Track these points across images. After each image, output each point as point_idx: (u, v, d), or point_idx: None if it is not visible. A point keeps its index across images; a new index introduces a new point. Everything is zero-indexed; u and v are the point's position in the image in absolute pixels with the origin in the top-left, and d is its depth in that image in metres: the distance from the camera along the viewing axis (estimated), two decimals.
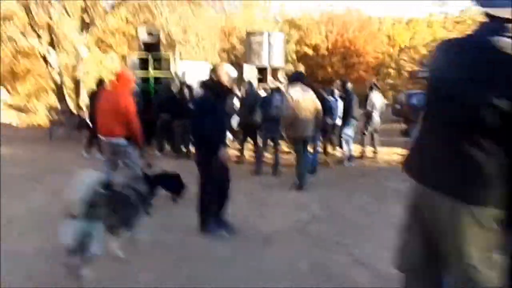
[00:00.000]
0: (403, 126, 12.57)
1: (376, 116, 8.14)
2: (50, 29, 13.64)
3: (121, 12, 13.18)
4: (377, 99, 8.16)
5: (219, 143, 3.55)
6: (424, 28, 31.13)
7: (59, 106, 13.89)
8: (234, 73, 3.68)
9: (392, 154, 8.76)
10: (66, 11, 11.97)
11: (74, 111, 13.72)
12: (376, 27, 27.64)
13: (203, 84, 3.86)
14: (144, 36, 9.63)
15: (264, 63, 10.96)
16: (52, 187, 5.47)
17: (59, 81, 13.95)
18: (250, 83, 8.05)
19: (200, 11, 14.59)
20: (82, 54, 13.55)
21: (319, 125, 5.83)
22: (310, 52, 25.81)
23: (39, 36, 12.96)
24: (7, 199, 4.76)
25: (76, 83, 13.91)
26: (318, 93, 6.52)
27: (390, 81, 28.28)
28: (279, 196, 5.17)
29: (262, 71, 10.97)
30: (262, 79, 10.89)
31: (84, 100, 14.16)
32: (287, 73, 11.12)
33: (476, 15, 35.97)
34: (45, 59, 13.76)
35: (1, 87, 16.26)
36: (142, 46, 9.66)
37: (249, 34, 11.16)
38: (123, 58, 20.72)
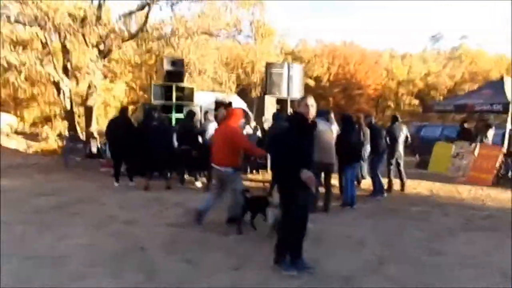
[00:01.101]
0: (417, 158, 12.69)
1: (400, 148, 8.17)
2: (64, 56, 13.69)
3: (137, 41, 13.28)
4: (401, 131, 8.23)
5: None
6: (419, 63, 32.25)
7: (67, 133, 13.70)
8: (315, 106, 3.65)
9: (417, 186, 8.76)
10: (84, 39, 11.99)
11: (83, 139, 13.55)
12: (374, 61, 28.50)
13: (291, 117, 3.80)
14: (168, 65, 9.69)
15: (284, 94, 11.07)
16: (92, 219, 5.26)
17: (69, 108, 13.83)
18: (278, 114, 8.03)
19: (213, 42, 14.90)
20: (96, 82, 13.53)
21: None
22: (312, 83, 26.32)
23: (53, 63, 12.93)
24: (48, 234, 4.52)
25: (88, 111, 13.77)
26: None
27: (389, 113, 28.88)
28: (332, 231, 5.03)
29: (280, 102, 11.07)
30: (281, 110, 10.96)
31: (96, 128, 14.07)
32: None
33: (466, 52, 37.13)
34: (57, 86, 13.69)
35: (7, 113, 16.02)
36: (166, 75, 9.69)
37: (269, 64, 11.30)
38: (129, 86, 20.92)
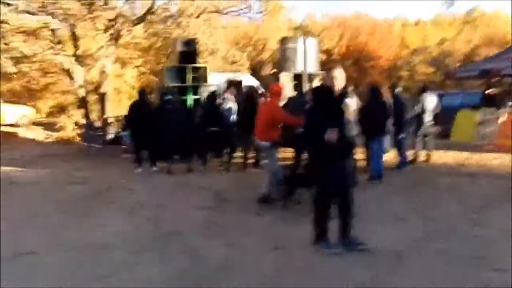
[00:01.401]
0: (438, 128, 12.33)
1: (427, 119, 7.95)
2: (74, 44, 13.54)
3: (145, 24, 13.03)
4: (430, 101, 7.98)
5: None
6: (432, 29, 31.17)
7: (83, 121, 13.74)
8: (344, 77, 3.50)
9: (443, 155, 8.56)
10: (93, 24, 11.80)
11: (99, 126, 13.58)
12: (386, 30, 27.60)
13: (315, 90, 3.66)
14: (181, 47, 9.49)
15: (300, 69, 10.79)
16: (125, 205, 5.27)
17: (83, 96, 13.81)
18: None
19: (220, 20, 14.55)
20: (108, 68, 13.42)
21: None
22: (322, 57, 25.69)
23: (64, 51, 12.83)
24: (86, 222, 4.54)
25: (101, 98, 13.72)
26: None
27: (403, 83, 28.24)
28: (365, 207, 4.91)
29: (297, 77, 10.81)
30: (298, 85, 10.73)
31: (110, 114, 14.05)
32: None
33: (482, 15, 35.78)
34: (69, 74, 13.62)
35: (23, 104, 16.10)
36: (179, 57, 9.50)
37: (283, 40, 10.98)
38: (140, 71, 20.73)
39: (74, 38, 13.20)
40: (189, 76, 9.44)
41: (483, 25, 32.46)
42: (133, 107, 7.75)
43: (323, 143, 3.25)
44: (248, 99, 7.91)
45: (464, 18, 34.69)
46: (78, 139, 12.69)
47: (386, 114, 6.44)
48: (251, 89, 10.10)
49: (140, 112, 7.51)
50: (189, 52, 9.54)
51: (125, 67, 17.69)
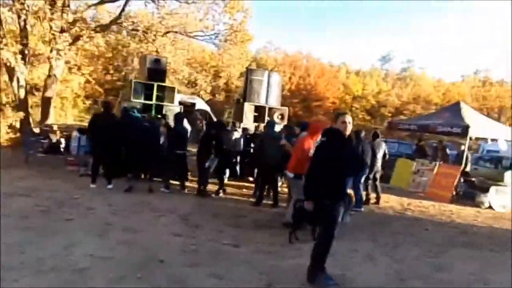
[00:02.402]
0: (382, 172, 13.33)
1: (379, 163, 8.63)
2: (22, 41, 12.47)
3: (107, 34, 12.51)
4: (381, 147, 8.69)
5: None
6: (370, 80, 34.36)
7: (18, 125, 12.47)
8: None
9: (387, 199, 9.27)
10: (49, 23, 11.02)
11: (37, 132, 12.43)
12: (333, 75, 29.77)
13: (328, 132, 3.84)
14: (150, 63, 9.27)
15: (262, 102, 11.11)
16: (89, 226, 4.85)
17: (22, 97, 12.60)
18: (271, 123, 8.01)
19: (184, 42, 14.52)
20: (58, 71, 12.51)
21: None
22: None
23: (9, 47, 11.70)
24: (53, 243, 4.08)
25: (46, 102, 12.67)
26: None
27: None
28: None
29: (258, 109, 11.09)
30: (258, 118, 11.00)
31: (52, 121, 12.96)
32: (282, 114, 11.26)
33: (411, 75, 40.30)
34: (10, 72, 12.41)
35: None
36: (147, 74, 9.25)
37: (250, 70, 11.28)
38: (86, 80, 19.59)
39: (24, 34, 12.18)
40: (155, 94, 9.20)
41: (412, 84, 36.67)
42: (97, 118, 7.30)
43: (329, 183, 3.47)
44: (220, 128, 7.86)
45: (396, 75, 38.89)
46: (9, 143, 11.45)
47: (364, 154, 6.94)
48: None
49: (105, 125, 7.10)
50: (158, 70, 9.36)
51: (73, 74, 16.62)
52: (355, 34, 71.84)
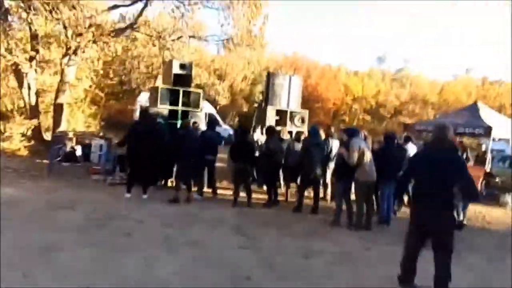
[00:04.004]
0: None
1: None
2: (32, 46, 12.08)
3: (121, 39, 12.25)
4: (412, 151, 8.62)
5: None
6: (368, 81, 34.56)
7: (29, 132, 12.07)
8: None
9: None
10: (64, 27, 10.74)
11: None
12: (333, 76, 29.84)
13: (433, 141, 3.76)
14: (176, 68, 9.07)
15: (284, 106, 11.00)
16: (151, 240, 4.66)
17: (33, 104, 12.23)
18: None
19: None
20: (70, 77, 12.19)
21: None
22: None
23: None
24: (132, 260, 3.88)
25: (58, 109, 12.29)
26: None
27: (342, 126, 30.47)
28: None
29: (279, 113, 10.96)
30: (279, 122, 10.87)
31: (65, 127, 12.59)
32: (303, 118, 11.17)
33: (407, 75, 40.58)
34: (20, 77, 12.03)
35: None
36: (173, 79, 9.04)
37: (271, 75, 11.14)
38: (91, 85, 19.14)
39: (35, 39, 11.80)
40: (181, 100, 9.00)
41: (408, 84, 37.01)
42: (137, 126, 7.15)
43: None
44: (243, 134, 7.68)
45: (393, 76, 39.21)
46: (25, 152, 11.08)
47: (400, 160, 6.78)
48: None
49: (144, 133, 6.91)
50: (184, 75, 9.15)
51: (81, 79, 16.20)
52: (351, 34, 72.46)
